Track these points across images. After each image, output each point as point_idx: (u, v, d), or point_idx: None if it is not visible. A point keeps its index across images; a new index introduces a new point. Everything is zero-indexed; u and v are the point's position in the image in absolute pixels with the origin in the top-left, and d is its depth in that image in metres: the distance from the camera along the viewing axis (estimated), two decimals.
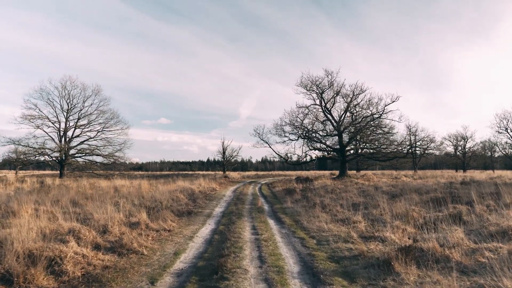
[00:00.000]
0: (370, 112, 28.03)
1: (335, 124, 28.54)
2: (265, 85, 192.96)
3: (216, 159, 74.52)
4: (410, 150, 35.88)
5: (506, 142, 44.72)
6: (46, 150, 30.53)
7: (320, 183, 20.35)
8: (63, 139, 31.79)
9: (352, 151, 31.25)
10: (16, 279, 3.92)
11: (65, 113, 31.71)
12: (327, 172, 44.70)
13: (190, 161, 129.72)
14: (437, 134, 67.88)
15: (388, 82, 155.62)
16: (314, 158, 31.99)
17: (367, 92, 28.65)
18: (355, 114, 28.79)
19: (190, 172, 55.60)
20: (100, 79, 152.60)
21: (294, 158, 30.47)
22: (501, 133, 41.52)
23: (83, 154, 33.26)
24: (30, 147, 30.23)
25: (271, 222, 8.73)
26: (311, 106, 29.12)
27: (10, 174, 35.73)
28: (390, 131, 29.80)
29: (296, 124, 29.21)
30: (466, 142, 49.91)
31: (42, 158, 31.47)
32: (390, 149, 29.68)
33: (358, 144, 31.36)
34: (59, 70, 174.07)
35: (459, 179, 20.00)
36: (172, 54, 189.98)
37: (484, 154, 52.61)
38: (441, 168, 63.72)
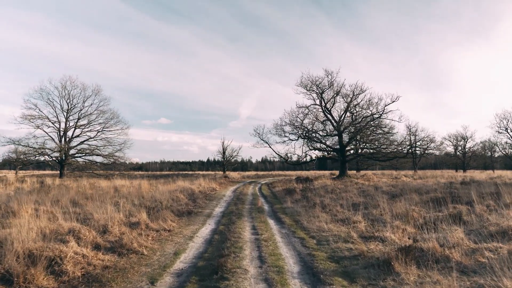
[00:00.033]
0: (370, 112, 28.07)
1: (335, 124, 28.55)
2: (265, 85, 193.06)
3: (216, 159, 74.59)
4: (410, 150, 35.90)
5: (506, 142, 44.82)
6: (46, 150, 30.58)
7: (320, 183, 20.34)
8: (63, 139, 31.80)
9: (352, 151, 31.25)
10: (16, 279, 3.92)
11: (65, 113, 31.79)
12: (327, 172, 44.70)
13: (190, 161, 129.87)
14: (437, 134, 67.80)
15: (388, 82, 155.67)
16: (314, 158, 32.00)
17: (367, 92, 28.72)
18: (355, 114, 28.82)
19: (190, 172, 55.61)
20: (100, 79, 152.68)
21: (294, 158, 30.52)
22: (501, 133, 41.63)
23: (83, 154, 33.30)
24: (30, 147, 30.27)
25: (271, 222, 8.73)
26: (311, 106, 29.19)
27: (10, 174, 35.73)
28: (390, 131, 29.85)
29: (296, 124, 29.28)
30: (466, 142, 50.01)
31: (42, 158, 31.50)
32: (390, 149, 29.70)
33: (358, 144, 31.37)
34: (59, 70, 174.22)
35: (459, 179, 19.99)
36: (172, 54, 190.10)
37: (484, 154, 52.65)
38: (441, 168, 63.68)
